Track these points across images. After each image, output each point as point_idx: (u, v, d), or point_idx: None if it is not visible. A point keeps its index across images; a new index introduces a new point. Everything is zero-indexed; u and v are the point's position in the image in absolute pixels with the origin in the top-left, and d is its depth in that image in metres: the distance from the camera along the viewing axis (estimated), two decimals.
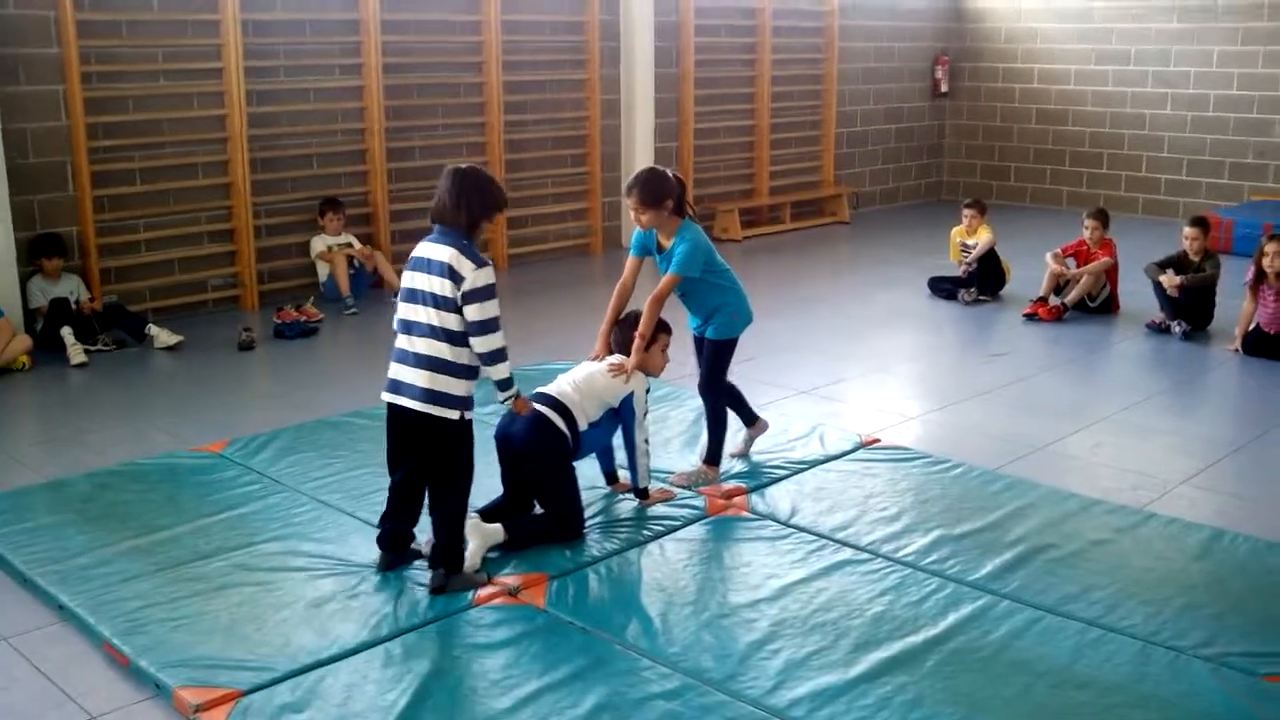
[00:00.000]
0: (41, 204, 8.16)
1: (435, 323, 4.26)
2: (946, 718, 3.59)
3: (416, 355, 4.30)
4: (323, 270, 9.32)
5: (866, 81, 14.26)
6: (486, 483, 5.13)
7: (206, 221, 9.02)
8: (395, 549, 4.58)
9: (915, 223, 13.63)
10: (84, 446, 6.08)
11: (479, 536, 4.58)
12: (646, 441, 5.06)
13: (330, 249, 9.29)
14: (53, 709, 3.71)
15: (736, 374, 7.27)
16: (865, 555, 4.69)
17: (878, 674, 3.82)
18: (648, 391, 5.10)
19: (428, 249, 4.35)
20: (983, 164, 15.20)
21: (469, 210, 4.35)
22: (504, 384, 4.43)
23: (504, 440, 4.85)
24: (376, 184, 9.77)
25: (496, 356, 4.30)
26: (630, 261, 5.40)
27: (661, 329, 5.18)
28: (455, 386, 4.29)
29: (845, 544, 4.79)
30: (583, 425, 4.86)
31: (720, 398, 5.49)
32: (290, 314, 8.40)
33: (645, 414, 5.04)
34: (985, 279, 9.48)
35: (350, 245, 9.42)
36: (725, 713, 3.61)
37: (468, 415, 4.34)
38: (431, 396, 4.28)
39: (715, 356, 5.44)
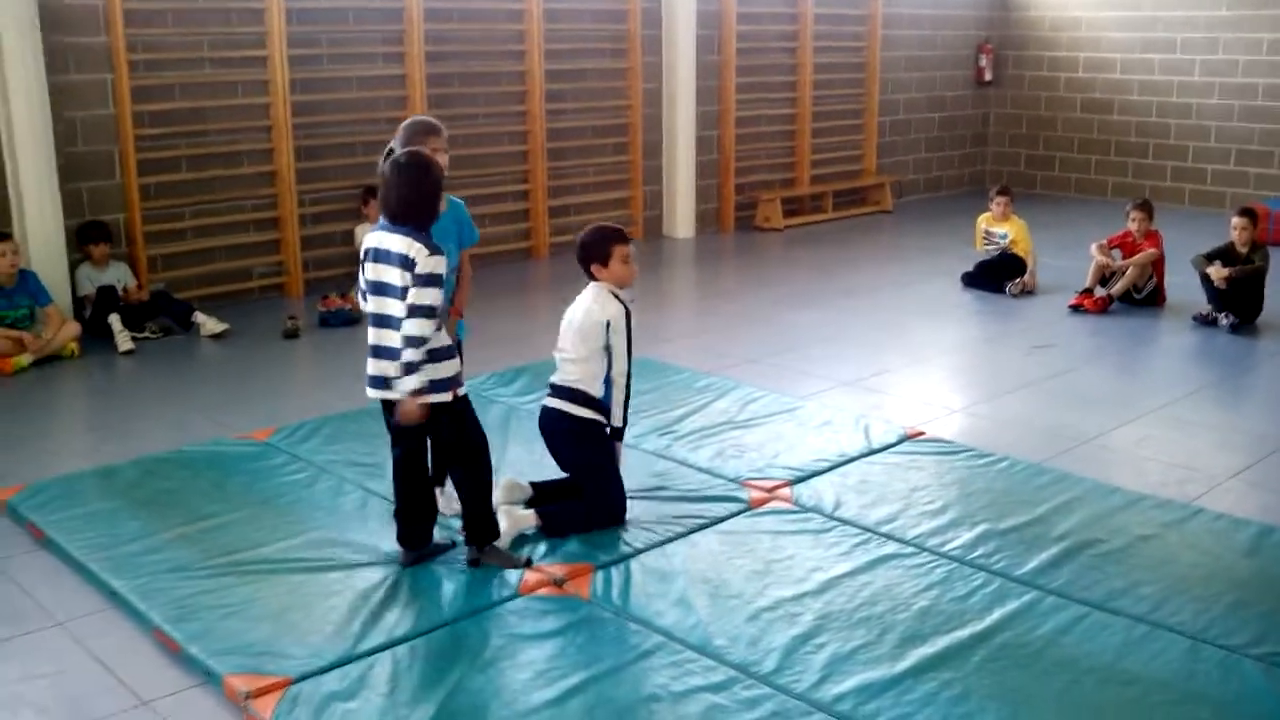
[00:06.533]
0: (90, 192, 8.24)
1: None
2: (992, 713, 3.57)
3: (397, 350, 4.22)
4: None
5: (909, 69, 14.16)
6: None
7: (251, 209, 9.08)
8: (416, 544, 4.58)
9: (959, 212, 13.49)
10: (132, 433, 6.14)
11: (509, 521, 4.64)
12: (625, 376, 4.81)
13: None
14: (105, 693, 3.76)
15: (775, 363, 7.30)
16: (911, 549, 4.67)
17: (924, 669, 3.81)
18: (629, 315, 4.82)
19: (381, 239, 4.27)
20: (1027, 153, 15.08)
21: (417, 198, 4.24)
22: (406, 368, 4.18)
23: (541, 432, 4.92)
24: None
25: (412, 342, 4.15)
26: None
27: (617, 238, 4.85)
28: (442, 370, 4.27)
29: (890, 537, 4.77)
30: (599, 391, 4.79)
31: None
32: (335, 301, 8.45)
33: (626, 342, 4.79)
34: (1013, 269, 9.42)
35: None
36: (770, 706, 3.61)
37: (460, 393, 4.35)
38: (428, 385, 4.25)
39: None
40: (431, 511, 4.63)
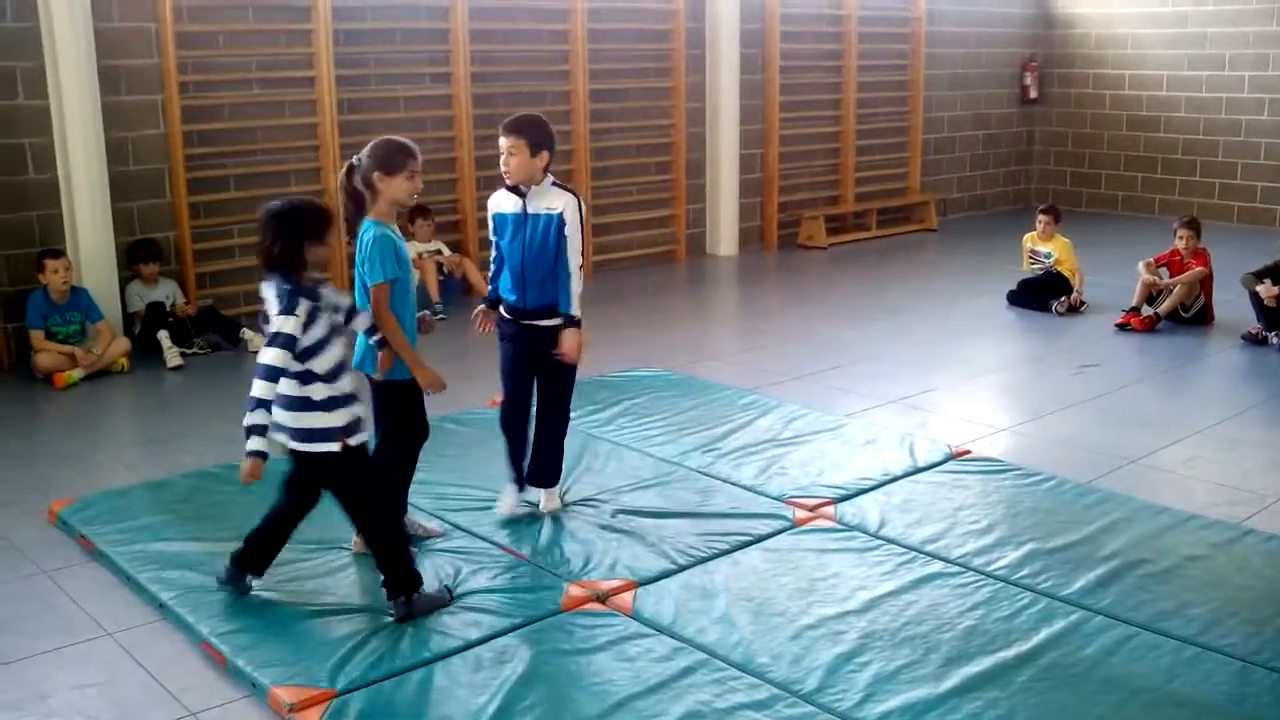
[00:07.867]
0: (140, 210, 8.36)
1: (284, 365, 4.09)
2: None
3: (282, 395, 4.13)
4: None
5: (953, 87, 14.12)
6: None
7: None
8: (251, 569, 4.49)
9: (1004, 230, 13.42)
10: (180, 448, 6.21)
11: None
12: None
13: (420, 256, 9.39)
14: (155, 705, 3.80)
15: (819, 381, 7.28)
16: (956, 568, 4.64)
17: (968, 689, 3.79)
18: None
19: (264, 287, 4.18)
20: (1072, 171, 14.99)
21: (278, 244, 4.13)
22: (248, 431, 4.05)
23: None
24: (465, 192, 9.88)
25: (248, 403, 4.04)
26: None
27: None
28: (333, 419, 4.15)
29: (935, 557, 4.75)
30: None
31: None
32: None
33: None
34: (1058, 288, 9.36)
35: (440, 252, 9.53)
36: None
37: (351, 442, 4.18)
38: (305, 435, 4.17)
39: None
40: (275, 549, 4.49)
